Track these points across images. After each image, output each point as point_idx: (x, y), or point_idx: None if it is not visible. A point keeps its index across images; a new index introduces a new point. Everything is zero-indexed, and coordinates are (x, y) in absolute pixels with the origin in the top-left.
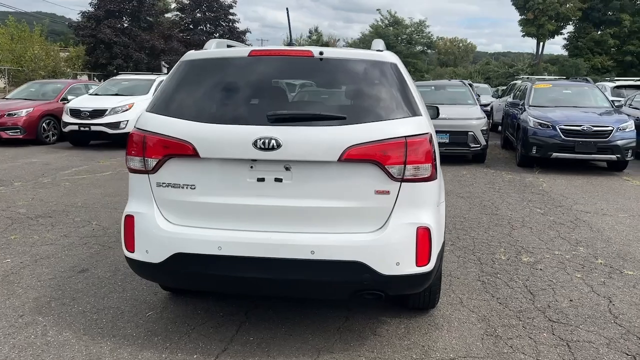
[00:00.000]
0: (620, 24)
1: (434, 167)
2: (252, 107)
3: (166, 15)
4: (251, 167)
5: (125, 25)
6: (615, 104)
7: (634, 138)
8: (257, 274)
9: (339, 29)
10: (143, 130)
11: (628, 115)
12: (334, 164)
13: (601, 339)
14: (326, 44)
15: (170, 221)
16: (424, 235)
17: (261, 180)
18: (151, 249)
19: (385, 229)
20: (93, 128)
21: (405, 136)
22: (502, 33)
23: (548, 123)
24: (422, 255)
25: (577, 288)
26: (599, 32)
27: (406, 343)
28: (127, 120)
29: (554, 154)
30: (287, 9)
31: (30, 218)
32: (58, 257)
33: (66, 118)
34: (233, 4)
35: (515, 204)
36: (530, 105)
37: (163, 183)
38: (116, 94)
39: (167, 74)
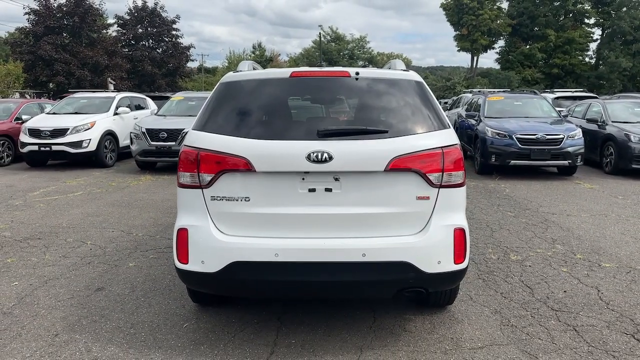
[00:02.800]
0: (546, 39)
1: (465, 174)
2: (300, 124)
3: (107, 30)
4: (303, 178)
5: (67, 41)
6: (562, 114)
7: (583, 145)
8: (313, 277)
9: (278, 44)
10: (196, 147)
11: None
12: (380, 174)
13: (601, 322)
14: (270, 59)
15: (225, 232)
16: (459, 236)
17: (312, 190)
18: (207, 259)
19: (427, 231)
20: (54, 148)
21: (441, 147)
22: (434, 47)
23: (505, 133)
24: (459, 253)
25: (567, 281)
26: (528, 47)
27: (436, 337)
28: (90, 139)
29: (512, 161)
30: (320, 32)
31: (19, 241)
32: (67, 277)
33: (24, 138)
34: (176, 19)
35: (487, 208)
36: (485, 117)
37: (217, 197)
38: (75, 113)
39: (114, 90)
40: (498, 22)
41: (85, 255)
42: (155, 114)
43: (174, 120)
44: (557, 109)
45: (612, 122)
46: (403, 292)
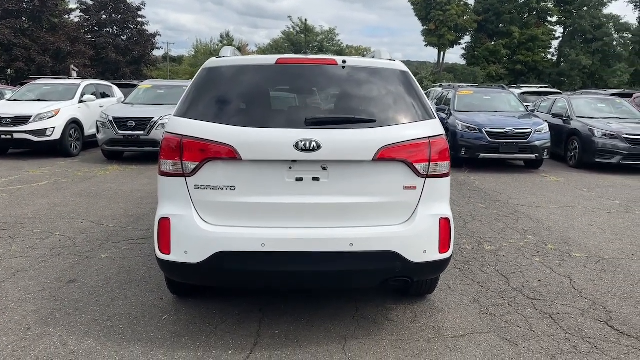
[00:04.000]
0: (510, 36)
1: (450, 164)
2: (287, 112)
3: (69, 16)
4: (290, 167)
5: (26, 26)
6: (529, 109)
7: (549, 139)
8: (300, 267)
9: (245, 35)
10: (179, 134)
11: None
12: (368, 163)
13: (576, 310)
14: (238, 49)
15: (210, 222)
16: (445, 225)
17: (299, 179)
18: (190, 249)
19: (413, 221)
20: (16, 136)
21: (428, 137)
22: (402, 42)
23: (475, 126)
24: (444, 243)
25: (540, 270)
26: (493, 43)
27: (418, 325)
28: (54, 128)
29: (481, 154)
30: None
31: None
32: (36, 269)
33: None
34: (142, 6)
35: (459, 200)
36: (455, 110)
37: (201, 185)
38: (38, 100)
39: (77, 78)
40: (464, 18)
41: (55, 247)
42: (122, 102)
43: (142, 108)
44: (525, 104)
45: (577, 117)
46: (388, 282)
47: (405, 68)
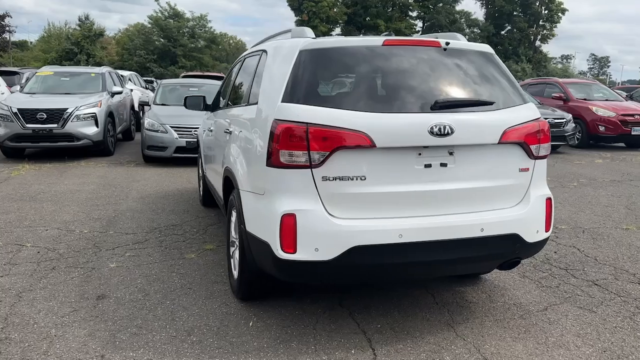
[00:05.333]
0: (377, 29)
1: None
2: (408, 95)
3: None
4: (419, 154)
5: None
6: None
7: None
8: (436, 256)
9: (97, 19)
10: (303, 122)
11: None
12: (492, 146)
13: (609, 276)
14: (100, 34)
15: (338, 215)
16: (549, 205)
17: (428, 166)
18: (322, 246)
19: (527, 202)
20: None
21: (537, 119)
22: (265, 32)
23: None
24: (548, 221)
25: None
26: (361, 35)
27: (500, 305)
28: None
29: None
30: None
31: None
32: (42, 288)
33: None
34: None
35: None
36: None
37: (330, 177)
38: None
39: None
40: (335, 10)
41: (39, 260)
42: (20, 92)
43: (52, 98)
44: None
45: None
46: (503, 264)
47: (493, 51)
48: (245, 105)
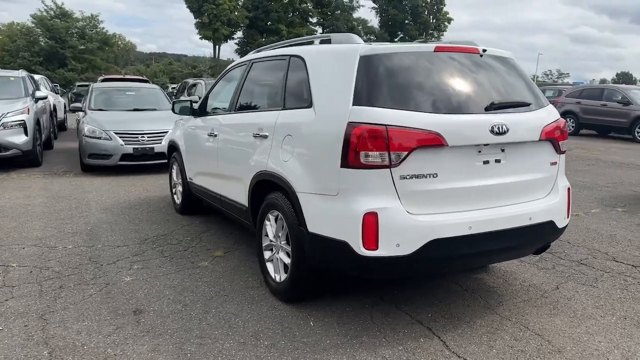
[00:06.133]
0: (279, 33)
1: None
2: (469, 98)
3: None
4: (479, 151)
5: None
6: None
7: None
8: (496, 245)
9: None
10: (383, 124)
11: None
12: (533, 143)
13: (634, 256)
14: None
15: (415, 212)
16: (569, 194)
17: (486, 162)
18: (402, 241)
19: (557, 192)
20: None
21: (559, 118)
22: (155, 33)
23: None
24: (569, 209)
25: None
26: (264, 39)
27: (519, 287)
28: None
29: None
30: None
31: None
32: (64, 308)
33: None
34: None
35: None
36: None
37: (407, 175)
38: None
39: None
40: (236, 13)
41: (39, 280)
42: None
43: None
44: None
45: None
46: (540, 248)
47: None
48: (281, 110)
